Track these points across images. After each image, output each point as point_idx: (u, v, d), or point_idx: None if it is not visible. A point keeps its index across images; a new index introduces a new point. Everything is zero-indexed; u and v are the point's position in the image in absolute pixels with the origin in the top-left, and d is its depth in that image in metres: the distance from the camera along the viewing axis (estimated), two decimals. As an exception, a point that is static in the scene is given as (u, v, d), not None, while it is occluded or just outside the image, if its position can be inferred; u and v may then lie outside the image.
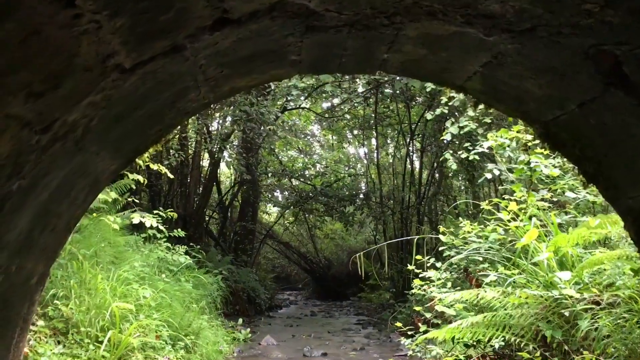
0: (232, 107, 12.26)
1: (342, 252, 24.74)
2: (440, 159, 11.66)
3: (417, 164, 18.02)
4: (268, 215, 26.69)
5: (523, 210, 5.03)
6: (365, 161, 23.22)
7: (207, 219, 17.77)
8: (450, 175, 17.42)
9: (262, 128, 13.38)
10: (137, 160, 6.62)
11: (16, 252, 2.63)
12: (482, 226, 5.53)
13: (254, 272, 17.40)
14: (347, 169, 22.26)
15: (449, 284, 5.38)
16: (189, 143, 14.14)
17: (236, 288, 14.21)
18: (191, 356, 7.36)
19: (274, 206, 25.02)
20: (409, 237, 10.38)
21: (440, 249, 6.33)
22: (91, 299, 6.01)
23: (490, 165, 6.73)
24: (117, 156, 3.00)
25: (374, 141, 20.82)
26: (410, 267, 5.99)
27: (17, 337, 2.92)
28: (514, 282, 4.39)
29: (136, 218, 6.89)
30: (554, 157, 5.98)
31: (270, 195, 23.15)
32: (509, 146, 5.83)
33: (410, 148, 17.26)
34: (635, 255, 3.82)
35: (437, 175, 17.59)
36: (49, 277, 3.07)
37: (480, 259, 5.35)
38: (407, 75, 3.69)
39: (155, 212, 7.80)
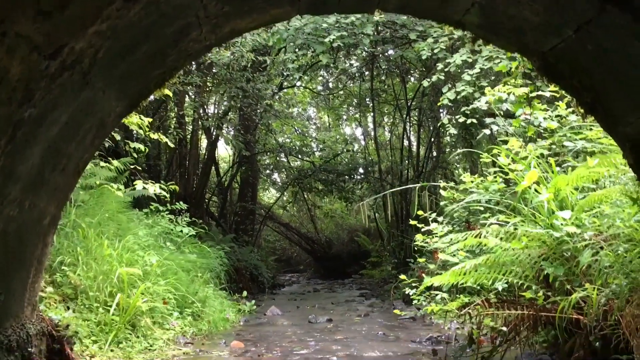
0: (228, 84, 12.26)
1: (342, 231, 24.83)
2: (438, 124, 11.69)
3: (414, 140, 18.08)
4: (267, 199, 26.76)
5: (522, 159, 5.08)
6: (362, 141, 23.26)
7: (207, 200, 17.82)
8: (447, 150, 17.51)
9: (258, 105, 13.39)
10: (137, 128, 6.66)
11: (29, 187, 2.69)
12: (482, 178, 5.58)
13: (255, 252, 17.48)
14: (344, 147, 22.24)
15: (451, 236, 5.44)
16: (187, 121, 14.16)
17: (239, 266, 14.31)
18: (198, 323, 7.46)
19: (273, 187, 25.06)
20: (409, 186, 10.41)
21: (441, 203, 6.41)
22: (98, 266, 6.07)
23: (488, 120, 6.77)
24: (121, 97, 3.04)
25: (370, 119, 20.84)
26: (412, 222, 6.06)
27: (33, 277, 2.98)
28: (515, 226, 4.46)
29: (139, 185, 6.94)
30: (552, 110, 6.03)
31: (269, 176, 23.19)
32: (506, 100, 5.87)
33: (407, 123, 17.28)
34: (635, 190, 3.88)
35: (434, 152, 17.65)
36: (60, 219, 3.12)
37: (482, 209, 5.43)
38: (406, 12, 3.72)
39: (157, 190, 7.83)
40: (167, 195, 7.52)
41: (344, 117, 25.29)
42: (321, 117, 26.19)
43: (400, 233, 15.70)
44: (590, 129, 5.45)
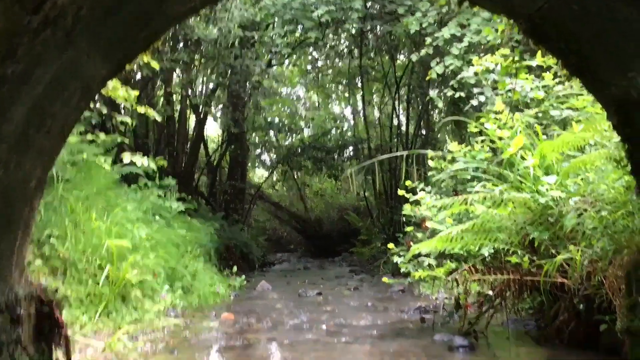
0: (216, 61, 12.15)
1: (332, 210, 24.90)
2: (427, 98, 11.69)
3: (403, 119, 18.11)
4: (257, 179, 26.74)
5: (509, 128, 5.12)
6: (351, 120, 23.23)
7: (196, 179, 17.76)
8: (436, 129, 17.56)
9: (247, 82, 13.30)
10: (124, 101, 6.60)
11: (14, 148, 2.67)
12: (469, 147, 5.62)
13: (245, 230, 17.51)
14: (334, 125, 22.19)
15: (439, 204, 5.48)
16: (175, 98, 14.05)
17: (229, 244, 14.33)
18: (188, 297, 7.50)
19: (263, 166, 25.04)
20: (397, 153, 10.46)
21: (429, 173, 6.45)
22: (86, 239, 6.06)
23: (475, 90, 6.79)
24: (107, 60, 3.01)
25: (359, 97, 20.80)
26: (400, 192, 6.09)
27: (20, 240, 2.97)
28: (502, 191, 4.50)
29: (126, 157, 6.90)
30: (540, 81, 6.06)
31: (258, 155, 23.13)
32: (494, 70, 5.88)
33: (396, 101, 17.28)
34: (619, 154, 3.92)
35: (424, 130, 17.69)
36: (46, 183, 3.11)
37: (469, 177, 5.47)
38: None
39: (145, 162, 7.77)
40: (155, 169, 7.48)
41: (333, 96, 25.24)
42: (310, 97, 26.11)
43: (389, 209, 15.79)
44: (577, 98, 5.49)
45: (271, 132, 20.82)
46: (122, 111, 9.16)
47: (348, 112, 24.72)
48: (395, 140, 17.42)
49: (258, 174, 26.85)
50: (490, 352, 4.57)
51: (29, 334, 3.01)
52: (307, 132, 22.30)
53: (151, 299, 6.53)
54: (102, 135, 6.64)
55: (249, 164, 22.14)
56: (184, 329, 5.92)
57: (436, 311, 6.27)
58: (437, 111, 17.17)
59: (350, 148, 19.91)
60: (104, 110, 6.82)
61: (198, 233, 9.34)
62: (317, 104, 25.50)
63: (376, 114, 21.78)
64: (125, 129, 7.91)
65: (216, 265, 10.24)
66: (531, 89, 5.77)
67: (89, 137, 6.54)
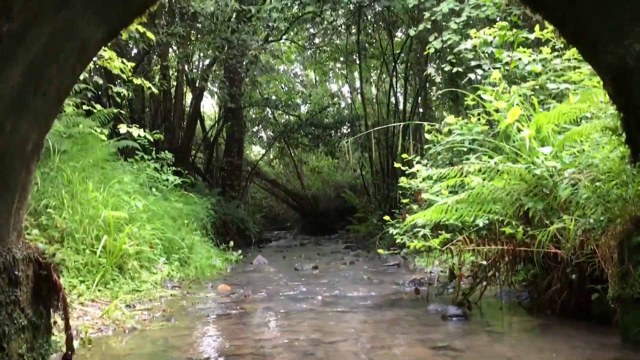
0: (212, 35, 12.05)
1: (329, 187, 24.97)
2: (424, 74, 11.65)
3: (401, 97, 18.06)
4: (254, 156, 26.72)
5: (506, 99, 5.11)
6: (349, 98, 23.14)
7: (192, 155, 17.75)
8: (434, 104, 17.53)
9: (244, 57, 13.22)
10: (120, 72, 6.56)
11: (10, 109, 2.67)
12: (465, 120, 5.62)
13: (242, 207, 17.54)
14: (331, 101, 22.09)
15: (435, 177, 5.51)
16: (171, 74, 13.95)
17: (225, 220, 14.38)
18: (185, 269, 7.55)
19: (260, 144, 25.00)
20: (395, 124, 10.47)
21: (425, 147, 6.45)
22: (83, 210, 6.08)
23: (473, 63, 6.77)
24: (102, 22, 3.00)
25: (357, 75, 20.70)
26: (397, 165, 6.10)
27: (17, 203, 2.99)
28: (497, 162, 4.52)
29: (123, 128, 6.88)
30: (537, 54, 6.04)
31: (255, 132, 23.07)
32: (491, 43, 5.85)
33: (394, 77, 17.20)
34: (615, 125, 3.93)
35: (421, 109, 17.66)
36: (42, 147, 3.11)
37: (465, 149, 5.48)
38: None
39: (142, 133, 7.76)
40: (152, 139, 7.47)
41: (330, 74, 25.10)
42: (307, 75, 25.96)
43: (385, 186, 15.84)
44: (575, 72, 5.48)
45: (268, 109, 20.73)
46: (118, 84, 9.11)
47: (345, 90, 24.64)
48: (393, 118, 17.40)
49: (255, 152, 26.84)
50: (484, 321, 4.63)
51: (27, 297, 3.04)
52: (304, 110, 22.23)
53: (148, 270, 6.58)
54: (98, 106, 6.61)
55: (246, 141, 22.11)
56: (180, 299, 5.98)
57: (431, 283, 6.32)
58: (434, 88, 17.16)
59: (348, 125, 19.89)
60: (100, 81, 6.78)
61: (195, 206, 9.36)
62: (314, 82, 25.39)
63: (373, 91, 21.71)
64: (122, 103, 7.85)
65: (213, 240, 10.29)
66: (528, 62, 5.76)
67: (85, 107, 6.51)
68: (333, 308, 5.25)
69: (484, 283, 5.09)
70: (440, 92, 8.20)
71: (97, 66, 6.52)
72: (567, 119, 4.45)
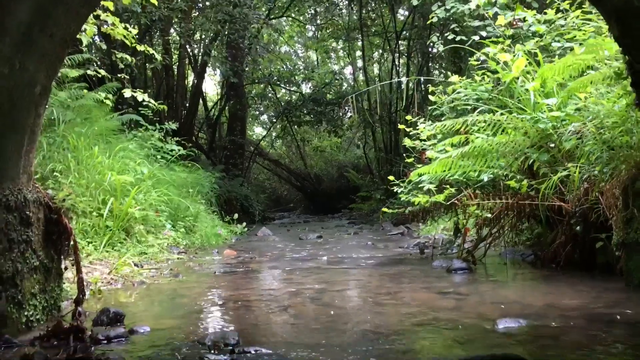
0: (214, 9, 12.00)
1: (331, 167, 24.96)
2: (427, 50, 11.58)
3: (403, 77, 17.95)
4: (257, 136, 26.71)
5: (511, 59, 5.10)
6: (351, 80, 23.01)
7: (195, 134, 17.74)
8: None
9: (246, 32, 13.16)
10: (123, 39, 6.54)
11: (18, 45, 2.69)
12: (470, 80, 5.61)
13: (245, 186, 17.57)
14: (333, 78, 21.95)
15: (439, 137, 5.52)
16: (173, 48, 13.90)
17: (229, 196, 14.41)
18: (191, 236, 7.61)
19: (262, 125, 24.97)
20: (400, 79, 10.43)
21: (429, 108, 6.46)
22: (89, 174, 6.12)
23: (476, 22, 6.73)
24: (108, -36, 3.00)
25: (359, 53, 20.59)
26: (400, 126, 6.10)
27: (27, 145, 3.02)
28: (501, 120, 4.51)
29: (127, 92, 6.89)
30: (542, 14, 6.01)
31: (257, 110, 23.03)
32: (495, 3, 5.82)
33: (396, 54, 17.11)
34: (621, 68, 3.92)
35: (423, 85, 17.57)
36: (50, 91, 3.13)
37: (469, 108, 5.48)
38: None
39: (145, 103, 7.76)
40: (156, 107, 7.47)
41: (332, 55, 24.96)
42: (309, 57, 25.82)
43: (388, 162, 15.83)
44: (579, 30, 5.45)
45: (270, 88, 20.65)
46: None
47: (347, 71, 24.53)
48: (395, 95, 17.33)
49: (257, 132, 26.81)
50: (488, 273, 4.68)
51: (39, 239, 3.08)
52: (305, 89, 22.16)
53: (154, 235, 6.63)
54: (102, 72, 6.61)
55: (248, 122, 22.07)
56: (187, 262, 6.03)
57: (435, 246, 6.37)
58: (437, 65, 17.05)
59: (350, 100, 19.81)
60: (104, 47, 6.78)
61: (199, 177, 9.39)
62: (316, 64, 25.27)
63: (376, 70, 21.61)
64: (125, 72, 7.84)
65: (217, 213, 10.34)
66: (532, 22, 5.73)
67: (90, 72, 6.51)
68: (338, 266, 5.30)
69: (489, 239, 5.12)
70: (444, 48, 8.09)
71: (101, 33, 6.48)
72: (572, 72, 4.44)
